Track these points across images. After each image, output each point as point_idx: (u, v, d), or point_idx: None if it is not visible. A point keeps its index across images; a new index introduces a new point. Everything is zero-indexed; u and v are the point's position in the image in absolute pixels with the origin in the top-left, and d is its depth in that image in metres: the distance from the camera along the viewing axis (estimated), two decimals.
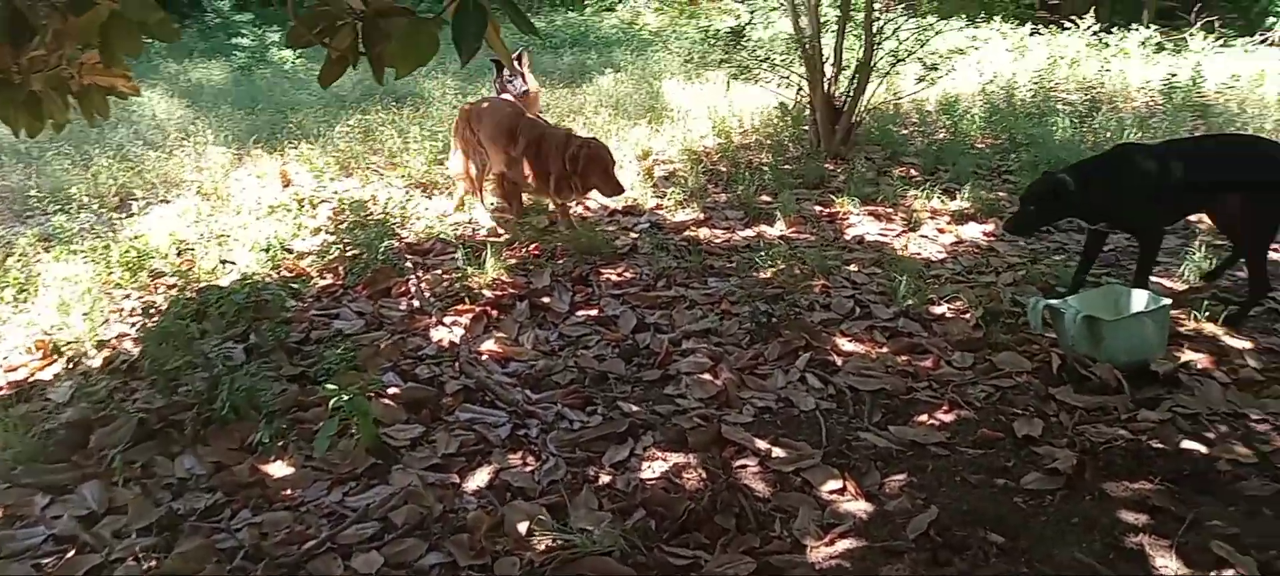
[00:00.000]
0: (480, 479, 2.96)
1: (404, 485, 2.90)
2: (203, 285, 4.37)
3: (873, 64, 6.78)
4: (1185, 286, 4.37)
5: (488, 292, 4.36)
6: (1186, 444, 3.06)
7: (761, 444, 3.08)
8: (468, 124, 5.47)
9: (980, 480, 2.90)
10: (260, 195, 5.95)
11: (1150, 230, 4.01)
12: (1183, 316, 3.95)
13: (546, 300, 4.32)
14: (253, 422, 3.18)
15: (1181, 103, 8.17)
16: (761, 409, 3.33)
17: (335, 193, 5.89)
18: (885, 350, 3.77)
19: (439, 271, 4.67)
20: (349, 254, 4.83)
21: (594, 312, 4.23)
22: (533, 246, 4.99)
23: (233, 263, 4.79)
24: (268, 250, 4.83)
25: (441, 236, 5.22)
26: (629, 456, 3.07)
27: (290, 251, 4.97)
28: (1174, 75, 8.68)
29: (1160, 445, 3.05)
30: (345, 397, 3.05)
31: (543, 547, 2.59)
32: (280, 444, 3.12)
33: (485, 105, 5.58)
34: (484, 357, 3.78)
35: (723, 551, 2.56)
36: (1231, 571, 2.44)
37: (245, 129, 7.94)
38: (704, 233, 5.31)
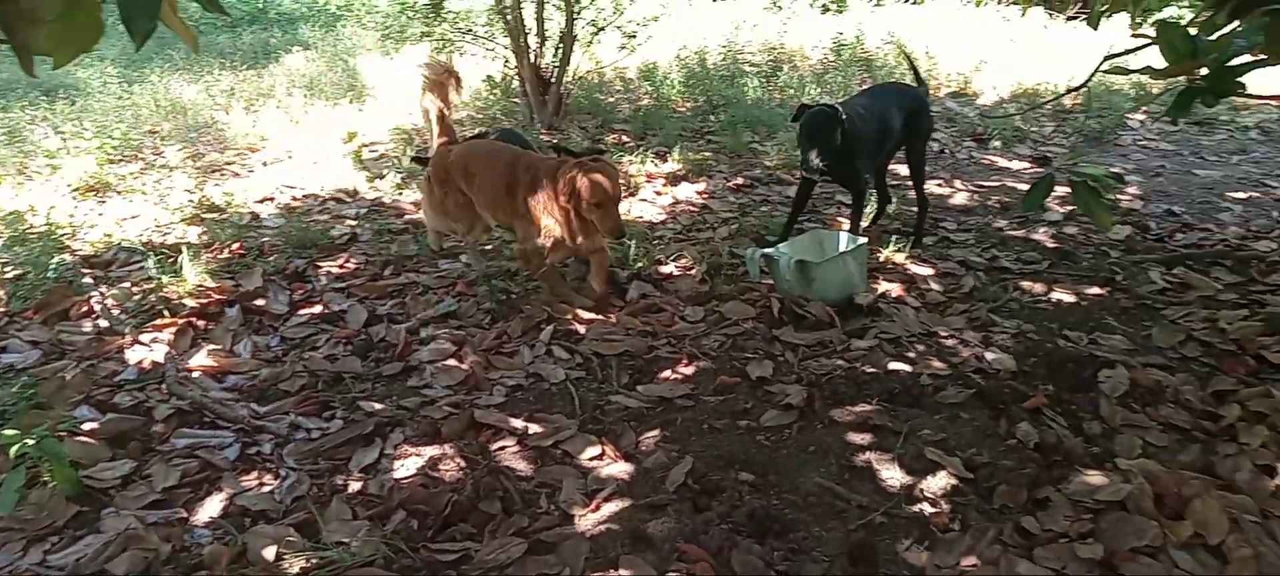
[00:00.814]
0: (212, 508, 2.66)
1: (120, 530, 2.54)
2: None
3: (574, 33, 6.88)
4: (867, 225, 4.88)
5: (190, 302, 3.93)
6: (893, 365, 3.41)
7: (517, 422, 3.04)
8: (461, 174, 3.94)
9: (725, 424, 3.06)
10: None
11: (860, 180, 4.41)
12: (876, 251, 4.40)
13: (261, 303, 3.98)
14: None
15: (849, 59, 9.07)
16: (513, 387, 3.29)
17: None
18: (624, 313, 3.86)
19: (127, 284, 4.14)
20: (9, 275, 4.14)
21: (318, 310, 3.95)
22: (236, 245, 4.56)
23: None
24: None
25: (123, 244, 4.63)
26: (379, 458, 2.90)
27: None
28: (841, 33, 9.61)
29: (872, 370, 3.38)
30: (29, 442, 2.62)
31: (296, 571, 2.38)
32: None
33: (478, 152, 4.01)
34: (196, 375, 3.40)
35: (492, 537, 2.50)
36: (943, 471, 2.76)
37: None
38: None
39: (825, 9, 12.52)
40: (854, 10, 12.06)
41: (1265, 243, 4.63)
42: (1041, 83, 8.19)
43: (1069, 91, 3.34)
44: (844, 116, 4.13)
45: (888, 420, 3.05)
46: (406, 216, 5.07)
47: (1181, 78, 2.83)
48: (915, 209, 4.70)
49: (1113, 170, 2.82)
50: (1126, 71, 2.81)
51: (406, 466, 2.84)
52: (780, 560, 2.43)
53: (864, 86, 6.37)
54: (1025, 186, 4.69)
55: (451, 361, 3.45)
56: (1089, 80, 2.89)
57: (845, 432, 2.99)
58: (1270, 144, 6.72)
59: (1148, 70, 2.78)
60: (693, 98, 7.82)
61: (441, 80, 4.08)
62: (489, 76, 7.53)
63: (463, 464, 2.83)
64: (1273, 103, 5.98)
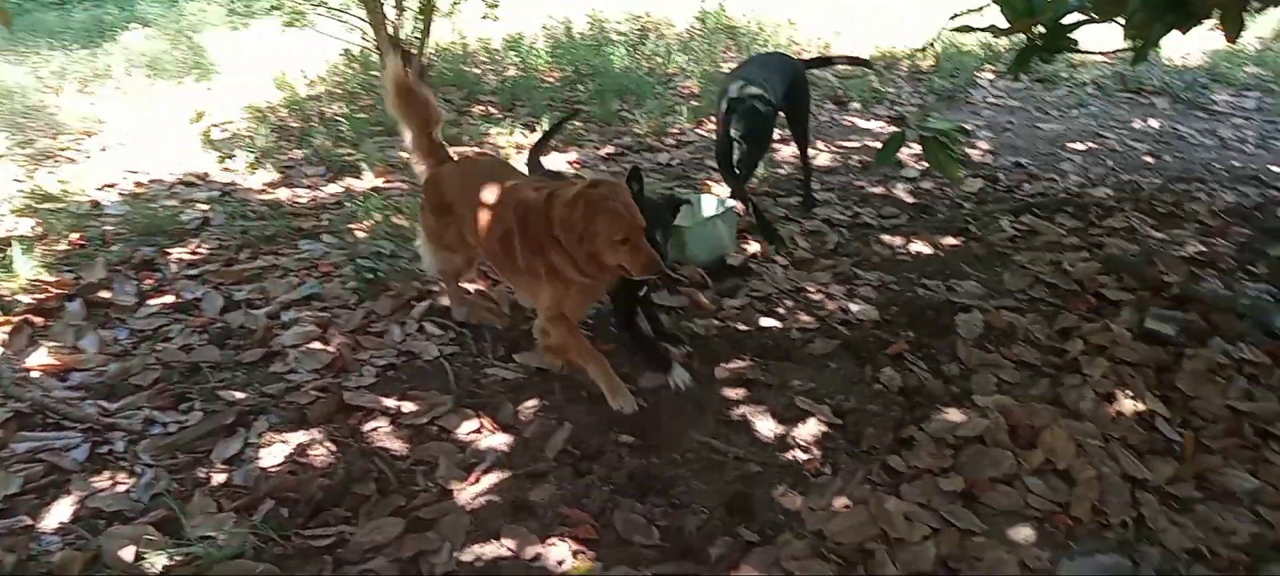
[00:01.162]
0: (61, 513, 2.49)
1: None
2: None
3: (434, 3, 6.69)
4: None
5: (25, 298, 3.64)
6: (764, 321, 3.49)
7: (389, 402, 2.96)
8: (456, 198, 3.24)
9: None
10: None
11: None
12: (743, 212, 4.47)
13: (105, 295, 3.73)
14: None
15: (713, 26, 9.16)
16: (383, 367, 3.20)
17: None
18: (501, 285, 3.80)
19: None
20: None
21: (170, 299, 3.73)
22: (75, 236, 4.26)
23: None
24: None
25: None
26: (243, 448, 2.77)
27: None
28: (703, 3, 9.68)
29: (745, 327, 3.45)
30: None
31: (159, 570, 2.25)
32: None
33: (468, 177, 3.25)
34: (35, 374, 3.16)
35: (368, 519, 2.43)
36: (814, 419, 2.85)
37: None
38: (285, 194, 4.92)
39: None
40: None
41: (1102, 189, 4.94)
42: (897, 46, 8.49)
43: (917, 52, 3.46)
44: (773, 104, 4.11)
45: (761, 374, 3.12)
46: (262, 198, 4.84)
47: (1022, 36, 2.99)
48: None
49: (960, 126, 2.95)
50: (972, 29, 2.94)
51: (273, 455, 2.72)
52: (661, 516, 2.46)
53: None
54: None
55: (316, 345, 3.33)
56: (934, 40, 3.01)
57: (721, 388, 3.05)
58: (1104, 98, 7.17)
59: (992, 29, 2.92)
60: (560, 67, 7.75)
61: (408, 94, 3.31)
62: (346, 50, 7.25)
63: (333, 448, 2.73)
64: (1103, 58, 6.36)
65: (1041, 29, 2.91)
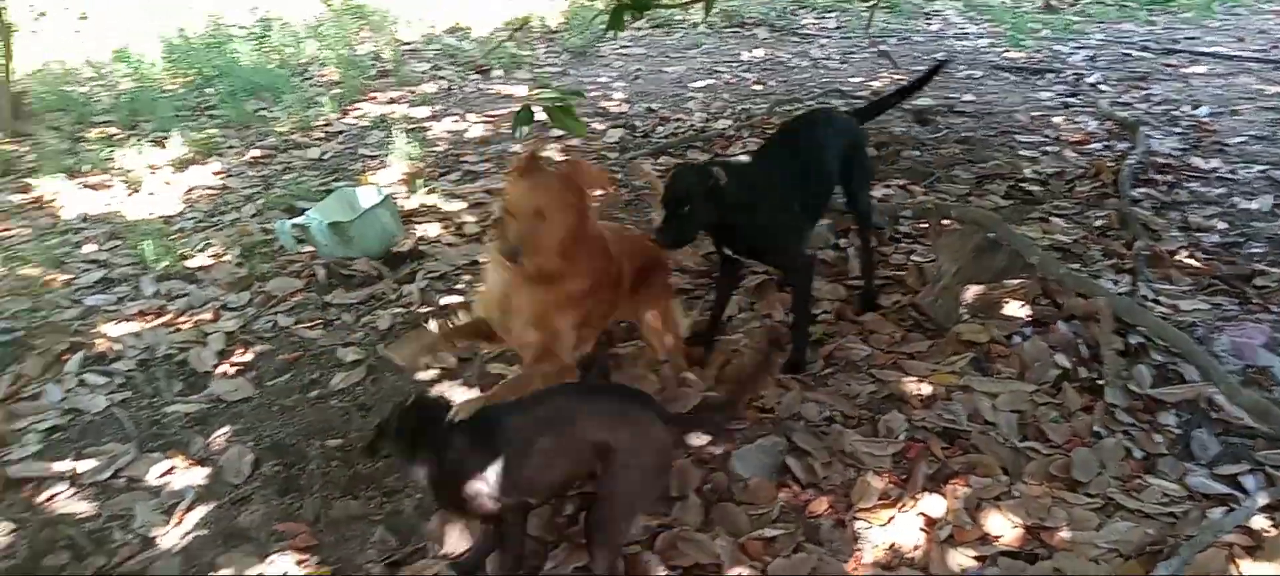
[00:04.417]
0: None
1: None
2: None
3: (9, 23, 5.98)
4: None
5: None
6: (445, 299, 3.68)
7: (62, 466, 2.80)
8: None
9: (296, 400, 3.11)
10: None
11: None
12: (407, 192, 4.59)
13: None
14: None
15: (343, 9, 8.95)
16: (48, 430, 2.99)
17: None
18: (157, 321, 3.63)
19: None
20: None
21: None
22: None
23: None
24: None
25: None
26: None
27: None
28: None
29: (427, 309, 3.62)
30: None
31: None
32: None
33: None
34: None
35: None
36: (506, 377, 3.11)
37: None
38: None
39: None
40: None
41: (722, 121, 5.63)
42: (529, 11, 8.83)
43: (515, 23, 3.67)
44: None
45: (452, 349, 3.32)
46: None
47: None
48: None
49: (574, 91, 3.29)
50: None
51: None
52: (377, 509, 2.60)
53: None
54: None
55: None
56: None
57: (415, 374, 3.21)
58: (716, 36, 8.04)
59: None
60: (182, 73, 7.24)
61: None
62: None
63: (11, 526, 2.56)
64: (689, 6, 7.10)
65: None
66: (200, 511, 2.60)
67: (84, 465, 2.81)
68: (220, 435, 2.93)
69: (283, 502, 2.62)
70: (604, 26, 3.55)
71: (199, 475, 2.75)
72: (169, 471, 2.78)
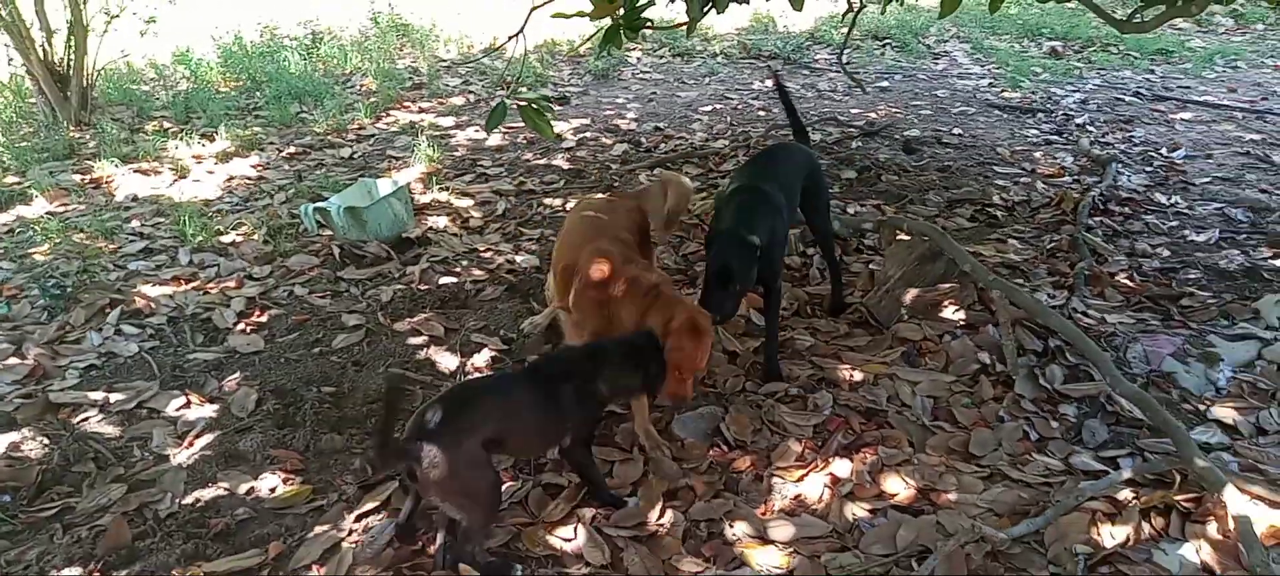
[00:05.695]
0: None
1: None
2: None
3: (86, 23, 6.56)
4: None
5: None
6: (444, 280, 4.09)
7: (97, 395, 3.23)
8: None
9: (301, 354, 3.52)
10: None
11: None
12: (423, 189, 5.02)
13: None
14: None
15: (387, 26, 9.50)
16: (86, 368, 3.43)
17: None
18: (188, 285, 4.08)
19: None
20: None
21: None
22: None
23: None
24: None
25: None
26: None
27: None
28: (373, 4, 9.98)
29: (426, 287, 4.02)
30: None
31: None
32: None
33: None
34: None
35: (92, 489, 2.75)
36: (487, 348, 3.50)
37: None
38: None
39: None
40: None
41: (721, 141, 6.01)
42: (560, 36, 9.30)
43: (510, 38, 3.93)
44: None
45: (442, 322, 3.72)
46: None
47: (608, 19, 3.76)
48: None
49: (545, 96, 3.66)
50: (565, 16, 3.64)
51: None
52: (359, 445, 2.98)
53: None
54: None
55: (13, 360, 3.48)
56: (523, 27, 3.64)
57: (407, 338, 3.61)
58: (731, 65, 8.43)
59: (581, 14, 3.65)
60: (234, 77, 7.81)
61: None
62: None
63: (46, 441, 2.98)
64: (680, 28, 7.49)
65: (623, 12, 3.70)
66: (207, 437, 3.01)
67: (114, 396, 3.24)
68: (232, 379, 3.35)
69: (279, 434, 3.02)
70: (599, 45, 3.91)
71: (210, 410, 3.17)
72: (185, 405, 3.20)
